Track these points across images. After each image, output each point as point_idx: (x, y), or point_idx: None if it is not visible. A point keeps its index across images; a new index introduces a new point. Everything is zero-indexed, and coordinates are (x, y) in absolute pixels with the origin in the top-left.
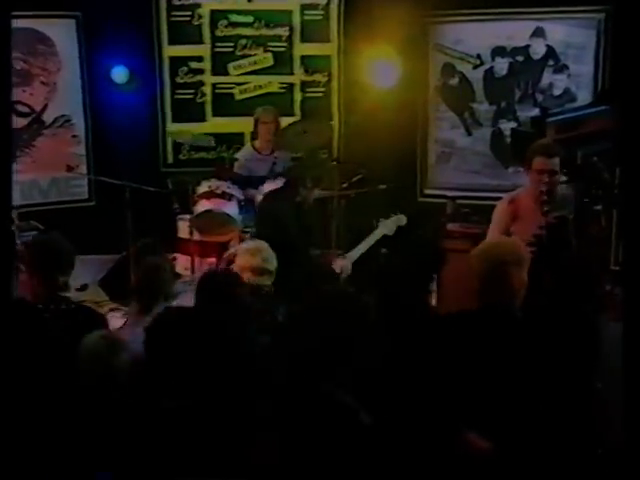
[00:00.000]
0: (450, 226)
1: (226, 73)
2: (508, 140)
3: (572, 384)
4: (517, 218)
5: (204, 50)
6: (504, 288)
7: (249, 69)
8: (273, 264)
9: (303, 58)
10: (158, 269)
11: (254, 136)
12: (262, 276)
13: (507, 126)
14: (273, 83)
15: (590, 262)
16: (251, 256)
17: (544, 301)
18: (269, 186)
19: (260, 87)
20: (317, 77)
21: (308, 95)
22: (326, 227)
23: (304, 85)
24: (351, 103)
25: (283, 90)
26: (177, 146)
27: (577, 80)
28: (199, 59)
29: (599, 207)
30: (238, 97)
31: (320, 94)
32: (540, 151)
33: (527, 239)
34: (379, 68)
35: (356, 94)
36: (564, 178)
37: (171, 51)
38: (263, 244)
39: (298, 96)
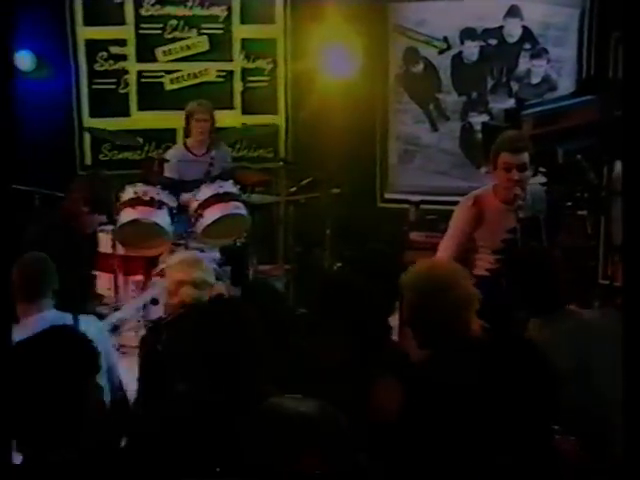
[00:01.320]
0: (414, 235)
1: (153, 59)
2: (479, 136)
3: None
4: (482, 221)
5: (127, 32)
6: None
7: (181, 55)
8: (213, 276)
9: (244, 42)
10: (37, 263)
11: (187, 133)
12: (204, 290)
13: (478, 120)
14: (209, 71)
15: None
16: (190, 268)
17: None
18: (207, 191)
19: (194, 76)
20: (260, 64)
21: (250, 85)
22: (272, 237)
23: (245, 73)
24: (300, 95)
25: (221, 79)
26: (96, 145)
27: (558, 66)
28: (121, 43)
29: (584, 212)
30: (168, 87)
31: (264, 84)
32: (506, 146)
33: (494, 246)
34: (331, 54)
35: (306, 84)
36: (543, 179)
37: (87, 33)
38: (199, 254)
39: (238, 86)
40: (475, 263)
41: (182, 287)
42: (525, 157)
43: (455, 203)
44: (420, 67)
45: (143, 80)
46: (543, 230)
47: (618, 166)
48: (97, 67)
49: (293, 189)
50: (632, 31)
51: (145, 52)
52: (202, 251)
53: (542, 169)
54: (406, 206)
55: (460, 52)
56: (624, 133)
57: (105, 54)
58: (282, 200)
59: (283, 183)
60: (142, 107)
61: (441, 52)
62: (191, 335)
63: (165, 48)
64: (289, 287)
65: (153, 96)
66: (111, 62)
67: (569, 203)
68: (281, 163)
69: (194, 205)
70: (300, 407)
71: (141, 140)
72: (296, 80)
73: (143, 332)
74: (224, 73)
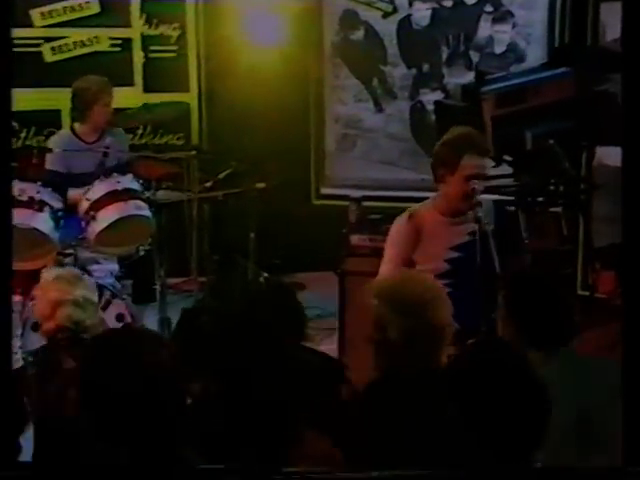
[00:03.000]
0: (355, 239)
1: (29, 24)
2: (433, 117)
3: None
4: (421, 240)
5: None
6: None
7: (65, 18)
8: (96, 295)
9: (143, 3)
10: None
11: (75, 117)
12: (87, 311)
13: (431, 98)
14: (101, 39)
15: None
16: (70, 285)
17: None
18: (101, 187)
19: (81, 44)
20: (165, 30)
21: (153, 56)
22: (183, 243)
23: (147, 41)
24: (216, 68)
25: (116, 49)
26: None
27: (526, 32)
28: None
29: (558, 209)
30: (49, 59)
31: (171, 54)
32: (472, 146)
33: (437, 268)
34: (253, 18)
35: (223, 55)
36: (509, 170)
37: None
38: (78, 270)
39: (138, 57)
40: None
41: (60, 308)
42: (488, 163)
43: (405, 199)
44: (360, 34)
45: (17, 50)
46: (492, 245)
47: (599, 153)
48: None
49: (208, 184)
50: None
51: (18, 14)
52: (96, 262)
53: (507, 157)
54: (346, 203)
55: (408, 15)
56: (625, 125)
57: None
58: (195, 197)
59: (196, 176)
60: (16, 84)
61: (386, 16)
62: (81, 377)
63: (44, 9)
64: (205, 304)
65: (30, 69)
66: None
67: (540, 198)
68: (193, 152)
69: (85, 205)
70: None
71: (16, 125)
72: (211, 50)
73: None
74: (120, 41)
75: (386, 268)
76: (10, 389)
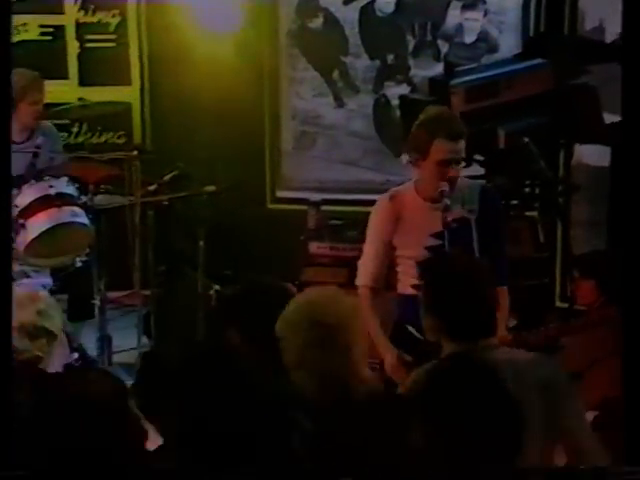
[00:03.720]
0: (314, 247)
1: None
2: (398, 113)
3: None
4: (402, 224)
5: None
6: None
7: None
8: (56, 320)
9: None
10: None
11: None
12: (37, 340)
13: (396, 91)
14: (30, 26)
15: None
16: (19, 308)
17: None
18: (31, 192)
19: None
20: (103, 17)
21: (90, 45)
22: (124, 253)
23: (82, 29)
24: (161, 59)
25: (47, 37)
26: None
27: (498, 20)
28: None
29: (534, 213)
30: None
31: (109, 44)
32: (444, 130)
33: (417, 255)
34: (203, 4)
35: (168, 44)
36: (479, 170)
37: None
38: (38, 290)
39: (73, 47)
40: (397, 278)
41: None
42: (462, 146)
43: (368, 203)
44: (319, 22)
45: None
46: (474, 235)
47: (578, 151)
48: None
49: (153, 187)
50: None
51: None
52: (27, 276)
53: (478, 157)
54: (304, 207)
55: (371, 2)
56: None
57: None
58: (137, 202)
59: (139, 179)
60: None
61: (347, 2)
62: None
63: None
64: (149, 320)
65: None
66: None
67: (515, 201)
68: (135, 152)
69: (13, 212)
70: None
71: None
72: (154, 39)
73: None
74: (51, 29)
75: (367, 250)
76: (9, 389)
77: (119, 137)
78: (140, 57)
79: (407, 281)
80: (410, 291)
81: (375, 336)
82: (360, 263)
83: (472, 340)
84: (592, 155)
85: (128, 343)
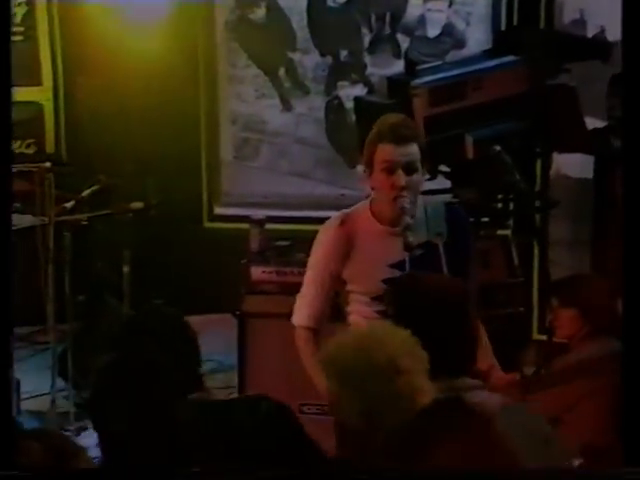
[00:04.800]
0: (258, 272)
1: None
2: (353, 117)
3: None
4: (353, 252)
5: None
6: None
7: None
8: None
9: None
10: None
11: None
12: None
13: (351, 92)
14: None
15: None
16: None
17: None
18: None
19: None
20: None
21: None
22: (36, 281)
23: None
24: (77, 55)
25: None
26: None
27: (465, 11)
28: None
29: (507, 232)
30: None
31: (16, 37)
32: (386, 134)
33: (372, 289)
34: None
35: (85, 39)
36: (445, 183)
37: None
38: None
39: None
40: (348, 319)
41: None
42: (414, 151)
43: (319, 220)
44: (262, 12)
45: None
46: (443, 263)
47: (557, 162)
48: None
49: (69, 204)
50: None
51: None
52: None
53: (444, 168)
54: (247, 226)
55: None
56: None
57: None
58: (51, 222)
59: (52, 195)
60: None
61: None
62: None
63: None
64: (65, 360)
65: None
66: None
67: (485, 219)
68: (48, 163)
69: None
70: None
71: None
72: (69, 33)
73: None
74: None
75: (309, 284)
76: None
77: (28, 146)
78: (52, 53)
79: (359, 322)
80: None
81: (319, 381)
82: (299, 298)
83: (451, 379)
84: (573, 166)
85: (40, 387)
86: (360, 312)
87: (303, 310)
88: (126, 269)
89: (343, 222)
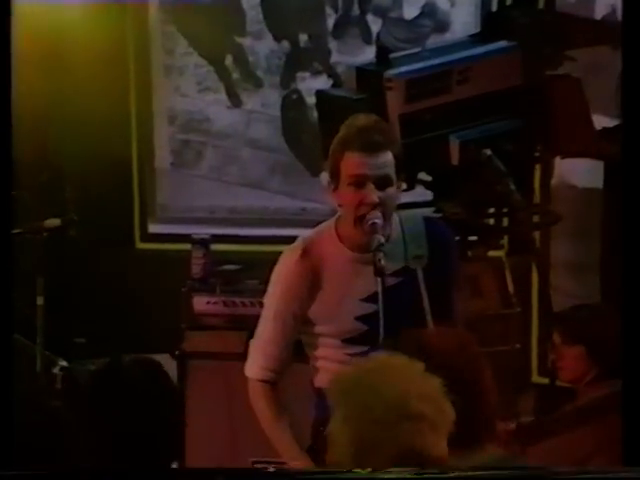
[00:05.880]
0: (201, 302)
1: None
2: (315, 115)
3: None
4: (319, 286)
5: None
6: None
7: None
8: None
9: None
10: None
11: None
12: None
13: (313, 85)
14: None
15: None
16: None
17: None
18: None
19: None
20: None
21: None
22: None
23: None
24: None
25: None
26: None
27: None
28: None
29: (500, 254)
30: None
31: None
32: (354, 140)
33: (343, 330)
34: None
35: None
36: (427, 194)
37: None
38: None
39: None
40: (315, 366)
41: None
42: (388, 160)
43: (278, 240)
44: None
45: None
46: (423, 292)
47: (560, 168)
48: None
49: None
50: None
51: None
52: None
53: (424, 177)
54: (187, 247)
55: None
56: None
57: None
58: None
59: None
60: None
61: None
62: None
63: None
64: None
65: None
66: None
67: (473, 237)
68: None
69: None
70: None
71: None
72: None
73: None
74: None
75: (266, 329)
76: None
77: None
78: None
79: (329, 370)
80: None
81: (280, 444)
82: (254, 343)
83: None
84: (579, 173)
85: None
86: (330, 357)
87: (259, 359)
88: (40, 301)
89: (306, 251)
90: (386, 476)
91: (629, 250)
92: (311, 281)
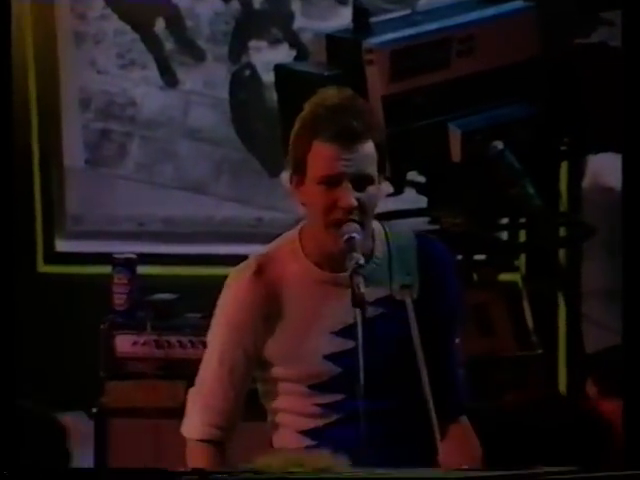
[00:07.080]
0: (125, 342)
1: None
2: (274, 97)
3: None
4: (279, 316)
5: None
6: None
7: None
8: None
9: None
10: None
11: None
12: None
13: (270, 58)
14: None
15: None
16: None
17: None
18: None
19: None
20: None
21: None
22: None
23: None
24: None
25: None
26: None
27: None
28: None
29: (516, 277)
30: None
31: None
32: (323, 126)
33: (309, 373)
34: None
35: None
36: (420, 200)
37: None
38: None
39: None
40: (274, 421)
41: None
42: (368, 152)
43: (227, 260)
44: None
45: None
46: (413, 330)
47: (594, 166)
48: None
49: None
50: None
51: None
52: None
53: (415, 177)
54: (106, 269)
55: None
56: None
57: None
58: None
59: None
60: None
61: None
62: None
63: None
64: None
65: None
66: None
67: (481, 256)
68: None
69: None
70: None
71: None
72: None
73: None
74: None
75: (208, 381)
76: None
77: None
78: None
79: (293, 426)
80: (298, 444)
81: None
82: (194, 394)
83: None
84: (617, 173)
85: None
86: (293, 409)
87: (199, 414)
88: None
89: (260, 270)
90: (386, 476)
91: None
92: (267, 310)
